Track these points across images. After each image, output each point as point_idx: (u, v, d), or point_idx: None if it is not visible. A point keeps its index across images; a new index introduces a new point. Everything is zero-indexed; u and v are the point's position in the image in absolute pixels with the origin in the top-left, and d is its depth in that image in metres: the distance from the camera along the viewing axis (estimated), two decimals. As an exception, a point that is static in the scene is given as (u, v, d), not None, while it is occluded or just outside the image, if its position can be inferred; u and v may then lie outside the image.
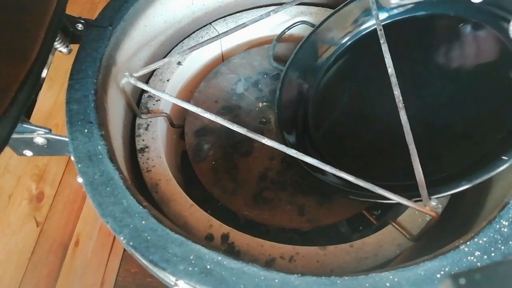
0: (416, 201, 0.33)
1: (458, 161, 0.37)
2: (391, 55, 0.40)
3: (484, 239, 0.28)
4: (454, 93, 0.41)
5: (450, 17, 0.44)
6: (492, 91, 0.39)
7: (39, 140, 0.36)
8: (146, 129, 0.46)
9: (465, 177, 0.33)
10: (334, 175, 0.38)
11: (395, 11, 0.48)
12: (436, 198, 0.33)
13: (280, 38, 0.55)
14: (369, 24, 0.51)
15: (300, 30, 0.57)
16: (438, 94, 0.42)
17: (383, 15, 0.49)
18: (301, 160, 0.34)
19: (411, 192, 0.35)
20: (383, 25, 0.49)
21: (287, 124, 0.50)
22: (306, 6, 0.58)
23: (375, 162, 0.43)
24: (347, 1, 0.51)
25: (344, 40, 0.52)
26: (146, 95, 0.50)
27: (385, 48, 0.41)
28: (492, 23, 0.41)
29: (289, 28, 0.55)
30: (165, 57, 0.55)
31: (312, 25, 0.54)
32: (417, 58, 0.45)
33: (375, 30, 0.50)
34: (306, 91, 0.52)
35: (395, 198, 0.32)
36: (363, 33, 0.51)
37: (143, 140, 0.46)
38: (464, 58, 0.43)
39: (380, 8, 0.49)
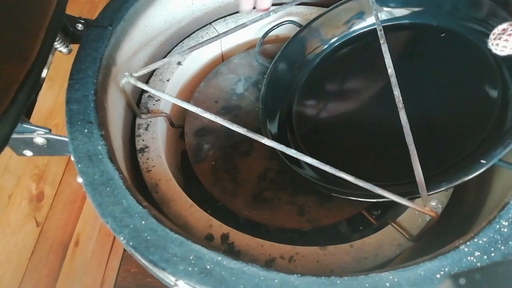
0: (410, 199, 0.33)
1: (439, 163, 0.38)
2: (375, 59, 0.41)
3: (484, 239, 0.28)
4: (436, 98, 0.42)
5: (432, 27, 0.46)
6: (471, 97, 0.40)
7: (39, 140, 0.36)
8: (146, 129, 0.46)
9: (445, 179, 0.34)
10: (311, 168, 0.39)
11: (384, 17, 0.50)
12: (415, 198, 0.34)
13: (266, 35, 0.55)
14: (360, 26, 0.52)
15: (289, 31, 0.57)
16: (420, 98, 0.43)
17: (372, 19, 0.50)
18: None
19: (399, 191, 0.35)
20: (370, 30, 0.51)
21: (272, 120, 0.50)
22: (306, 6, 0.58)
23: (358, 160, 0.44)
24: (342, 1, 0.51)
25: (334, 40, 0.53)
26: (146, 95, 0.50)
27: (385, 48, 0.41)
28: (472, 34, 0.43)
29: (276, 26, 0.55)
30: (165, 57, 0.56)
31: (299, 25, 0.54)
32: (400, 63, 0.46)
33: (365, 32, 0.52)
34: (292, 88, 0.52)
35: (394, 199, 0.32)
36: (353, 34, 0.52)
37: (143, 140, 0.46)
38: (444, 66, 0.45)
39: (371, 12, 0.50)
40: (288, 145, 0.47)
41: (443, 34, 0.45)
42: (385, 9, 0.49)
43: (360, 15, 0.51)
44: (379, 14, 0.49)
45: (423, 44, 0.47)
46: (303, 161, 0.42)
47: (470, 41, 0.43)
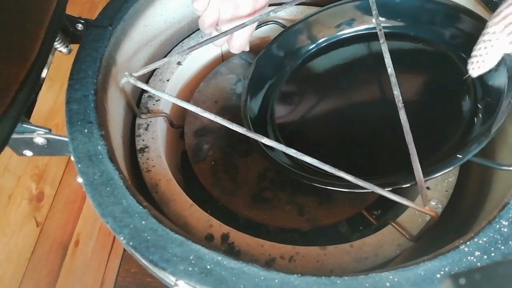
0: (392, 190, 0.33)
1: (421, 159, 0.39)
2: (355, 65, 0.43)
3: (484, 239, 0.28)
4: (414, 100, 0.44)
5: (410, 37, 0.49)
6: (446, 103, 0.43)
7: (39, 140, 0.36)
8: (146, 129, 0.46)
9: (425, 172, 0.35)
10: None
11: (366, 26, 0.52)
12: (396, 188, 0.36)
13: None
14: (348, 31, 0.53)
15: (273, 32, 0.58)
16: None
17: (361, 26, 0.52)
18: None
19: (381, 182, 0.36)
20: (357, 35, 0.52)
21: (253, 114, 0.50)
22: (307, 6, 0.58)
23: (337, 155, 0.45)
24: (338, 2, 0.52)
25: (322, 40, 0.53)
26: (146, 95, 0.50)
27: (384, 48, 0.41)
28: (447, 46, 0.46)
29: (260, 26, 0.56)
30: (165, 57, 0.55)
31: (283, 25, 0.55)
32: (379, 69, 0.47)
33: (352, 36, 0.53)
34: (274, 85, 0.53)
35: (395, 199, 0.32)
36: (343, 36, 0.53)
37: (143, 140, 0.46)
38: (419, 74, 0.47)
39: (361, 21, 0.52)
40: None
41: (420, 44, 0.48)
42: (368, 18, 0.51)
43: (350, 22, 0.52)
44: (362, 23, 0.51)
45: (401, 52, 0.49)
46: (286, 159, 0.43)
47: (445, 52, 0.46)
